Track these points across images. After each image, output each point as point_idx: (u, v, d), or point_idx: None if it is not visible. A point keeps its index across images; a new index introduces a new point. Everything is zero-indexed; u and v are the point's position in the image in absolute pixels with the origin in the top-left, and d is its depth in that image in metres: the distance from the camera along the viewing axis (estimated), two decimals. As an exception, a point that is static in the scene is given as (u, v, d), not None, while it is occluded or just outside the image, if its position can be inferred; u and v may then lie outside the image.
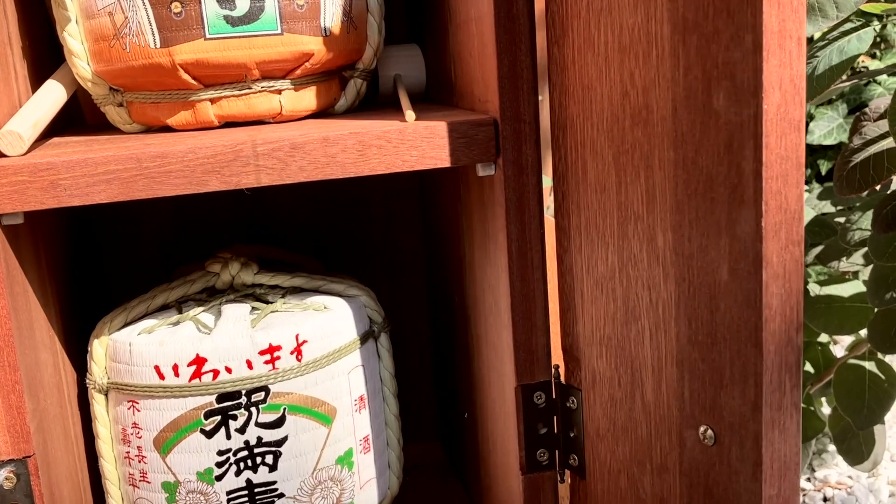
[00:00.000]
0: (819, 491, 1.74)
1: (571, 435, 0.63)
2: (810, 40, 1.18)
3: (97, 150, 0.58)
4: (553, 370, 0.64)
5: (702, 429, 0.51)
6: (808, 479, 1.78)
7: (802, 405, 1.62)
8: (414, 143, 0.59)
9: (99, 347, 0.68)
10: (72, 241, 0.77)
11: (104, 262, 0.85)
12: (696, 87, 0.47)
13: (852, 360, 1.46)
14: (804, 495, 1.73)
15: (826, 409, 1.75)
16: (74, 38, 0.65)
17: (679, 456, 0.54)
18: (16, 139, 0.58)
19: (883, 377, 1.42)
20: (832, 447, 1.83)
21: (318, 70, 0.67)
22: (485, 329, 0.70)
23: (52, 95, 0.66)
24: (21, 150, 0.58)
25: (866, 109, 1.13)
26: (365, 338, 0.72)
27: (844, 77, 0.95)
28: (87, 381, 0.69)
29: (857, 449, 1.56)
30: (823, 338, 1.65)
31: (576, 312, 0.61)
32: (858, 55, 0.94)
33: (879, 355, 1.47)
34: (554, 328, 0.63)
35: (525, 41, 0.57)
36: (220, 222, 0.86)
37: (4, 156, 0.58)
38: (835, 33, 0.97)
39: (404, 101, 0.65)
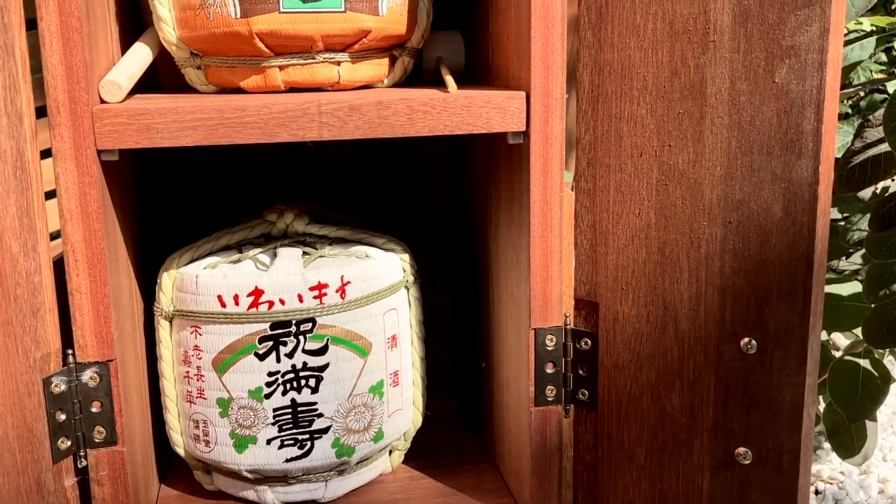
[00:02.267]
0: (811, 485, 1.82)
1: (581, 373, 0.72)
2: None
3: (185, 100, 0.67)
4: (563, 318, 0.73)
5: (744, 341, 0.62)
6: (802, 474, 1.86)
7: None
8: (455, 110, 0.69)
9: (167, 279, 0.78)
10: (150, 185, 0.87)
11: (175, 207, 0.95)
12: (757, 64, 0.59)
13: (848, 358, 1.54)
14: (797, 488, 1.81)
15: (822, 408, 1.82)
16: (163, 7, 0.75)
17: (715, 368, 0.64)
18: (115, 88, 0.67)
19: (876, 374, 1.50)
20: (826, 445, 1.90)
21: (373, 46, 0.77)
22: (506, 282, 0.79)
23: (142, 55, 0.75)
24: (119, 98, 0.68)
25: (871, 116, 1.22)
26: (399, 286, 0.81)
27: (852, 85, 1.03)
28: (155, 308, 0.79)
29: (849, 443, 1.64)
30: (822, 336, 1.73)
31: (596, 264, 0.70)
32: (861, 61, 1.02)
33: (875, 354, 1.55)
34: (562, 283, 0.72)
35: (558, 27, 0.66)
36: (276, 181, 0.96)
37: (105, 102, 0.67)
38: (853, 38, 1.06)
39: (447, 76, 0.75)
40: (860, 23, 2.00)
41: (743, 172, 0.61)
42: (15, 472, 0.63)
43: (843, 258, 1.51)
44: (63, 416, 0.66)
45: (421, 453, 0.88)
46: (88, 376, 0.67)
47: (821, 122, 0.58)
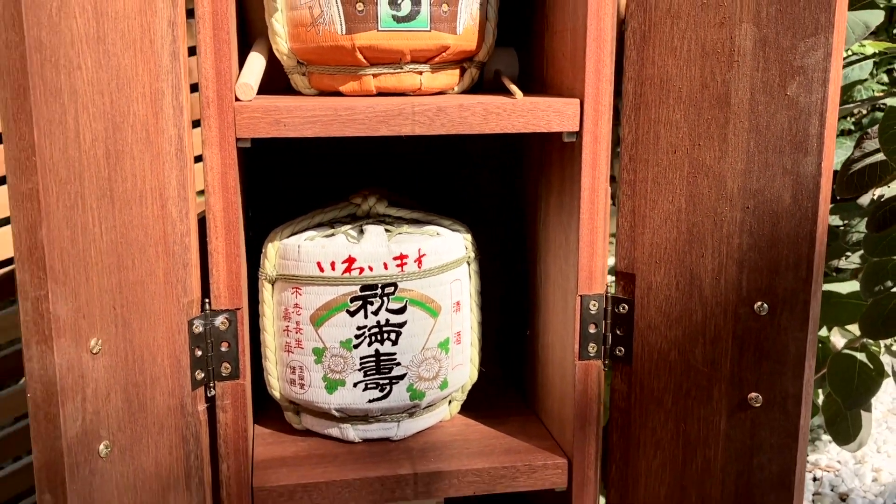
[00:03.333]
0: (810, 472, 1.96)
1: (618, 333, 0.88)
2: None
3: (304, 101, 0.83)
4: (605, 287, 0.88)
5: (757, 304, 0.77)
6: (801, 461, 2.00)
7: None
8: (521, 113, 0.84)
9: (272, 249, 0.93)
10: (257, 170, 1.02)
11: (275, 190, 1.10)
12: (773, 80, 0.75)
13: (846, 352, 1.69)
14: (796, 474, 1.95)
15: (820, 400, 1.96)
16: (279, 24, 0.90)
17: (733, 327, 0.79)
18: (249, 88, 0.83)
19: (871, 366, 1.65)
20: (825, 437, 2.05)
21: (449, 59, 0.92)
22: (554, 259, 0.94)
23: (259, 63, 0.91)
24: (251, 97, 0.83)
25: (869, 130, 1.38)
26: (462, 260, 0.97)
27: (853, 101, 1.19)
28: (259, 273, 0.94)
29: (846, 431, 1.79)
30: (822, 332, 1.88)
31: (634, 242, 0.85)
32: (860, 80, 1.18)
33: (872, 348, 1.71)
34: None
35: (608, 47, 0.82)
36: (362, 172, 1.12)
37: (238, 100, 0.83)
38: (852, 59, 1.21)
39: (511, 85, 0.90)
40: (863, 45, 2.16)
41: (759, 167, 0.76)
42: (167, 392, 0.78)
43: (843, 258, 1.66)
44: (199, 353, 0.82)
45: (473, 406, 1.04)
46: (220, 321, 0.82)
47: (823, 127, 0.73)
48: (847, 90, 1.21)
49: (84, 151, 0.68)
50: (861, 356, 1.67)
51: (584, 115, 0.84)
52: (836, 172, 1.38)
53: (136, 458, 0.75)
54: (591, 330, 0.89)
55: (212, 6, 0.77)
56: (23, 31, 0.62)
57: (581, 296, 0.88)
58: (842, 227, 1.62)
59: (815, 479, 1.93)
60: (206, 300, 0.82)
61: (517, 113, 0.84)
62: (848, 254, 1.56)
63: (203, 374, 0.82)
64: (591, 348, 0.89)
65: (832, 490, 1.89)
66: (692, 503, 0.86)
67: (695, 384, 0.84)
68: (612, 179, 0.87)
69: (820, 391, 1.90)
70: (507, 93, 0.89)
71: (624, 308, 0.87)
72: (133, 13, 0.72)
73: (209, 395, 0.83)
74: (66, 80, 0.66)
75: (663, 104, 0.81)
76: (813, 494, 1.88)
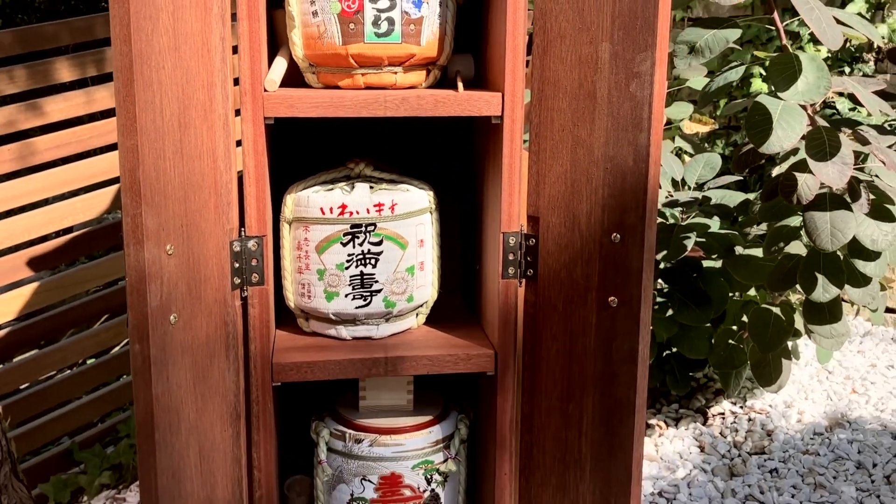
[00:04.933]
0: (746, 414, 2.30)
1: (528, 259, 1.24)
2: (711, 71, 1.78)
3: (309, 91, 1.20)
4: (520, 227, 1.24)
5: (613, 235, 1.12)
6: (741, 407, 2.34)
7: (733, 343, 2.22)
8: (461, 102, 1.21)
9: (289, 199, 1.31)
10: (281, 145, 1.40)
11: (293, 158, 1.47)
12: (621, 81, 1.10)
13: (763, 306, 2.05)
14: (735, 417, 2.30)
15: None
16: (297, 36, 1.27)
17: (599, 252, 1.15)
18: (273, 83, 1.21)
19: (783, 318, 2.01)
20: (758, 390, 2.39)
21: (416, 63, 1.29)
22: (489, 207, 1.31)
23: (282, 64, 1.28)
24: (275, 88, 1.21)
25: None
26: (426, 210, 1.33)
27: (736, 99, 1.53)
28: (280, 217, 1.31)
29: (768, 375, 2.14)
30: (751, 292, 2.23)
31: (538, 195, 1.21)
32: (733, 81, 1.53)
33: (783, 299, 2.05)
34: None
35: (521, 57, 1.18)
36: (354, 145, 1.49)
37: (267, 91, 1.20)
38: (725, 68, 1.57)
39: (459, 82, 1.26)
40: (754, 54, 2.49)
41: (614, 140, 1.12)
42: (214, 289, 1.16)
43: (755, 226, 2.00)
44: (237, 265, 1.19)
45: (436, 320, 1.40)
46: (251, 244, 1.20)
47: (652, 112, 1.08)
48: (726, 89, 1.55)
49: (165, 122, 1.06)
50: (776, 310, 2.02)
51: (504, 104, 1.20)
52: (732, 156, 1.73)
53: (193, 330, 1.13)
54: (511, 258, 1.25)
55: (249, 27, 1.15)
56: (130, 45, 1.00)
57: (503, 233, 1.24)
58: (752, 202, 1.97)
59: (749, 420, 2.26)
60: (242, 228, 1.19)
61: (458, 102, 1.21)
62: (759, 221, 1.90)
63: (239, 280, 1.20)
64: (511, 270, 1.25)
65: (762, 428, 2.22)
66: (576, 378, 1.22)
67: (576, 293, 1.20)
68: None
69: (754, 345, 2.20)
70: (456, 88, 1.26)
71: (532, 241, 1.23)
72: (196, 32, 1.10)
73: (243, 295, 1.21)
74: (155, 75, 1.04)
75: (555, 97, 1.17)
76: (746, 431, 2.21)
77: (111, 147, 2.60)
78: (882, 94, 1.80)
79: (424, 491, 1.36)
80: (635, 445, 1.19)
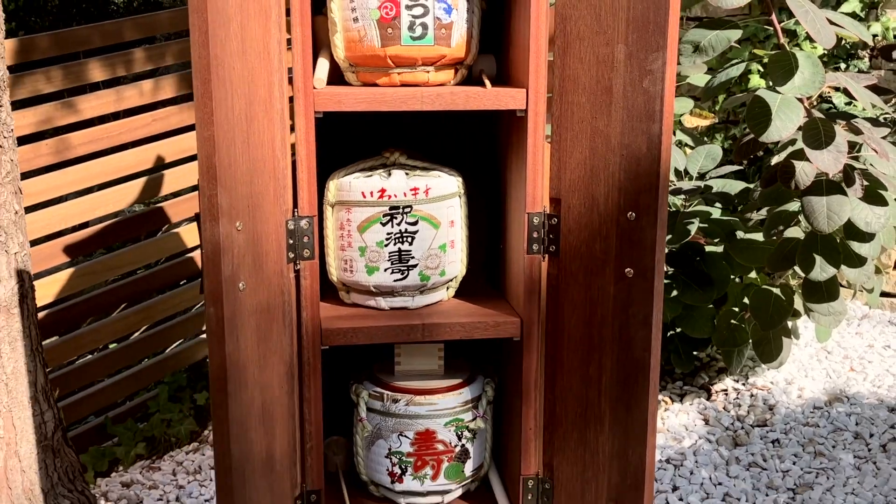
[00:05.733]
0: (748, 390, 2.45)
1: (551, 237, 1.39)
2: (711, 68, 1.94)
3: (354, 89, 1.35)
4: (543, 207, 1.39)
5: (629, 213, 1.28)
6: (743, 384, 2.50)
7: (735, 322, 2.37)
8: (489, 97, 1.36)
9: (332, 184, 1.46)
10: (327, 137, 1.54)
11: (332, 149, 1.62)
12: (636, 77, 1.25)
13: (765, 286, 2.21)
14: (737, 394, 2.45)
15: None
16: (339, 40, 1.42)
17: (616, 229, 1.30)
18: (321, 81, 1.36)
19: (783, 298, 2.16)
20: (765, 366, 2.54)
21: (446, 63, 1.44)
22: (514, 193, 1.46)
23: (325, 65, 1.43)
24: (322, 86, 1.36)
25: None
26: (455, 194, 1.48)
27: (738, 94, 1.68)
28: (324, 200, 1.46)
29: (769, 352, 2.30)
30: (752, 274, 2.38)
31: (560, 179, 1.36)
32: (734, 77, 1.68)
33: (782, 281, 2.21)
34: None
35: (543, 56, 1.33)
36: (383, 134, 1.64)
37: (316, 88, 1.35)
38: (728, 65, 1.72)
39: (486, 79, 1.42)
40: (752, 52, 2.65)
41: (629, 130, 1.27)
42: (273, 261, 1.31)
43: (755, 211, 2.15)
44: (291, 241, 1.34)
45: (464, 293, 1.56)
46: (304, 223, 1.35)
47: (663, 105, 1.24)
48: (727, 85, 1.70)
49: (235, 115, 1.21)
50: (776, 290, 2.18)
51: (528, 99, 1.35)
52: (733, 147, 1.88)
53: (257, 296, 1.28)
54: (535, 235, 1.40)
55: (302, 32, 1.30)
56: (208, 50, 1.15)
57: (528, 213, 1.39)
58: (752, 188, 2.12)
59: (751, 396, 2.42)
60: (296, 209, 1.34)
61: (487, 97, 1.36)
62: (759, 206, 2.05)
63: (293, 255, 1.35)
64: (535, 247, 1.40)
65: (764, 403, 2.38)
66: (595, 342, 1.37)
67: (595, 265, 1.35)
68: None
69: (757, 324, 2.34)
70: (483, 85, 1.41)
71: (554, 220, 1.38)
72: (259, 38, 1.25)
73: (296, 268, 1.36)
74: (227, 75, 1.19)
75: (575, 93, 1.32)
76: (748, 406, 2.36)
77: (139, 142, 2.76)
78: (874, 89, 1.95)
79: (455, 446, 1.51)
80: (650, 400, 1.34)
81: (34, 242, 2.44)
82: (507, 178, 1.51)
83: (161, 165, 2.82)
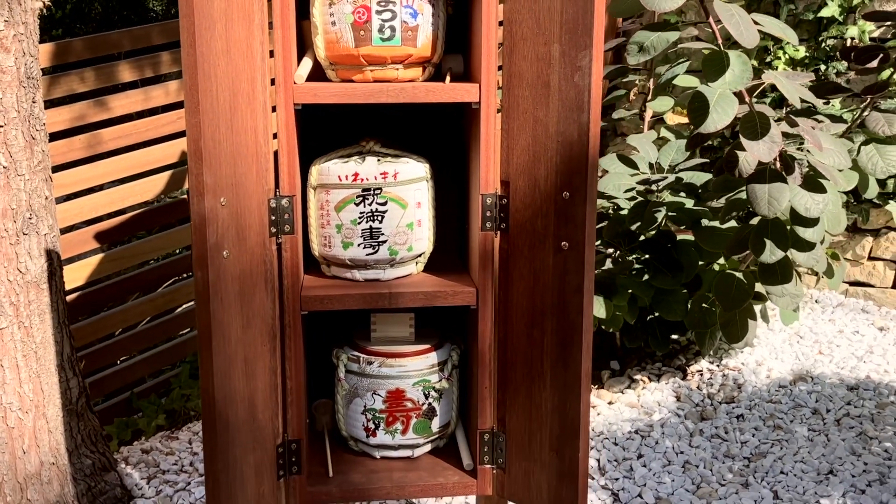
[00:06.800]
0: (721, 371, 2.60)
1: (502, 215, 1.57)
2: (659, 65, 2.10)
3: (329, 84, 1.55)
4: (495, 189, 1.57)
5: (564, 193, 1.46)
6: (717, 365, 2.64)
7: (706, 306, 2.52)
8: (448, 91, 1.54)
9: (314, 170, 1.65)
10: (308, 128, 1.74)
11: (319, 138, 1.82)
12: (569, 72, 1.43)
13: (728, 271, 2.36)
14: (711, 374, 2.60)
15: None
16: (319, 41, 1.62)
17: (553, 207, 1.48)
18: (300, 78, 1.55)
19: (745, 281, 2.31)
20: (735, 348, 2.68)
21: (414, 62, 1.62)
22: (474, 177, 1.64)
23: (308, 64, 1.63)
24: (302, 82, 1.55)
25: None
26: (422, 178, 1.67)
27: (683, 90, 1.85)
28: (308, 183, 1.66)
29: (735, 332, 2.45)
30: (721, 260, 2.53)
31: (509, 163, 1.54)
32: (676, 75, 1.84)
33: (750, 267, 2.36)
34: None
35: (493, 56, 1.51)
36: (365, 127, 1.83)
37: (296, 83, 1.54)
38: (674, 64, 1.88)
39: (447, 76, 1.60)
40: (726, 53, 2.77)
41: (563, 120, 1.45)
42: (256, 234, 1.51)
43: (715, 200, 2.30)
44: (273, 217, 1.54)
45: (434, 267, 1.74)
46: (284, 201, 1.55)
47: (590, 97, 1.41)
48: (670, 82, 1.86)
49: (220, 105, 1.41)
50: (739, 274, 2.32)
51: (481, 93, 1.54)
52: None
53: (240, 264, 1.48)
54: (488, 214, 1.58)
55: (282, 34, 1.49)
56: (195, 49, 1.35)
57: (482, 195, 1.57)
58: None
59: (723, 376, 2.56)
60: (277, 189, 1.54)
61: (444, 91, 1.55)
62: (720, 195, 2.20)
63: (274, 229, 1.55)
64: (488, 224, 1.58)
65: (734, 382, 2.52)
66: (538, 308, 1.55)
67: (537, 240, 1.53)
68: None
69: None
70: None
71: (504, 201, 1.56)
72: (243, 38, 1.45)
73: (278, 242, 1.56)
74: (212, 71, 1.39)
75: (520, 87, 1.50)
76: (720, 385, 2.51)
77: (166, 138, 2.98)
78: (831, 88, 2.10)
79: (423, 404, 1.70)
80: (584, 359, 1.51)
81: (67, 229, 2.68)
82: (470, 164, 1.69)
83: (185, 160, 3.05)
